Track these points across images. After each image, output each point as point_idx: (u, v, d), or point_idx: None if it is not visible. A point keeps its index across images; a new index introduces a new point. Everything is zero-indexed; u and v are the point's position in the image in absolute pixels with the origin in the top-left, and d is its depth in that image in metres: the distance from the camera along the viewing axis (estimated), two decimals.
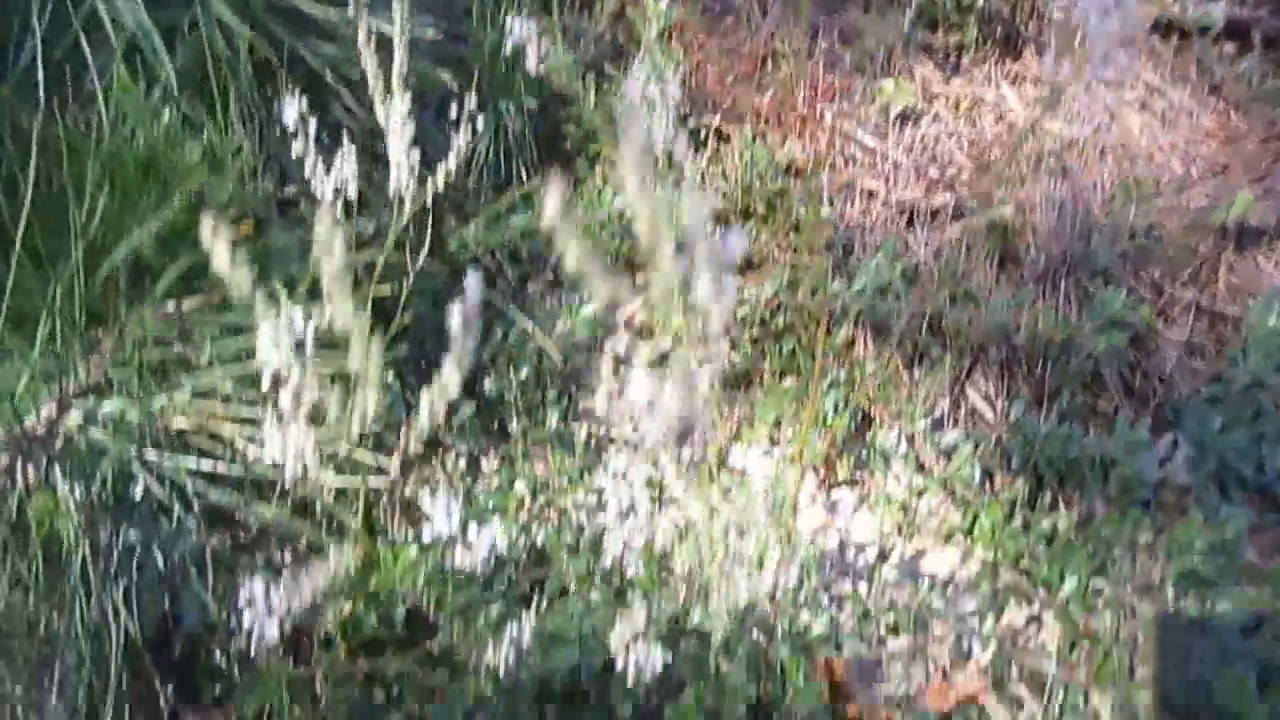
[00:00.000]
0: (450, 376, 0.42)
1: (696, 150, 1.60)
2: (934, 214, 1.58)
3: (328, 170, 0.88)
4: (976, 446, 1.32)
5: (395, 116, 0.80)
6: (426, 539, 0.66)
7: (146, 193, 1.09)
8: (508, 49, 0.91)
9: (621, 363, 1.41)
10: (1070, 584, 1.18)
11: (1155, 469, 1.32)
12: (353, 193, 0.87)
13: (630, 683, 0.74)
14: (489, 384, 1.30)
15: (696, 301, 0.33)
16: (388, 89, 0.82)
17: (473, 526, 0.66)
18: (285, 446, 0.58)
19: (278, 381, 0.57)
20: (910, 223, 1.57)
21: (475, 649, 0.89)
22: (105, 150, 1.05)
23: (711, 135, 1.62)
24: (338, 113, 1.28)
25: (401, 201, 0.86)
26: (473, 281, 0.38)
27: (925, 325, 1.43)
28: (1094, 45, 0.83)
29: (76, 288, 1.04)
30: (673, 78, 1.51)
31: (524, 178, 1.49)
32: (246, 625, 0.65)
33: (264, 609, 0.64)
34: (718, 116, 1.63)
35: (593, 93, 1.52)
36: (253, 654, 0.92)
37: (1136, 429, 1.29)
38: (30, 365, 0.97)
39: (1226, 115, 1.83)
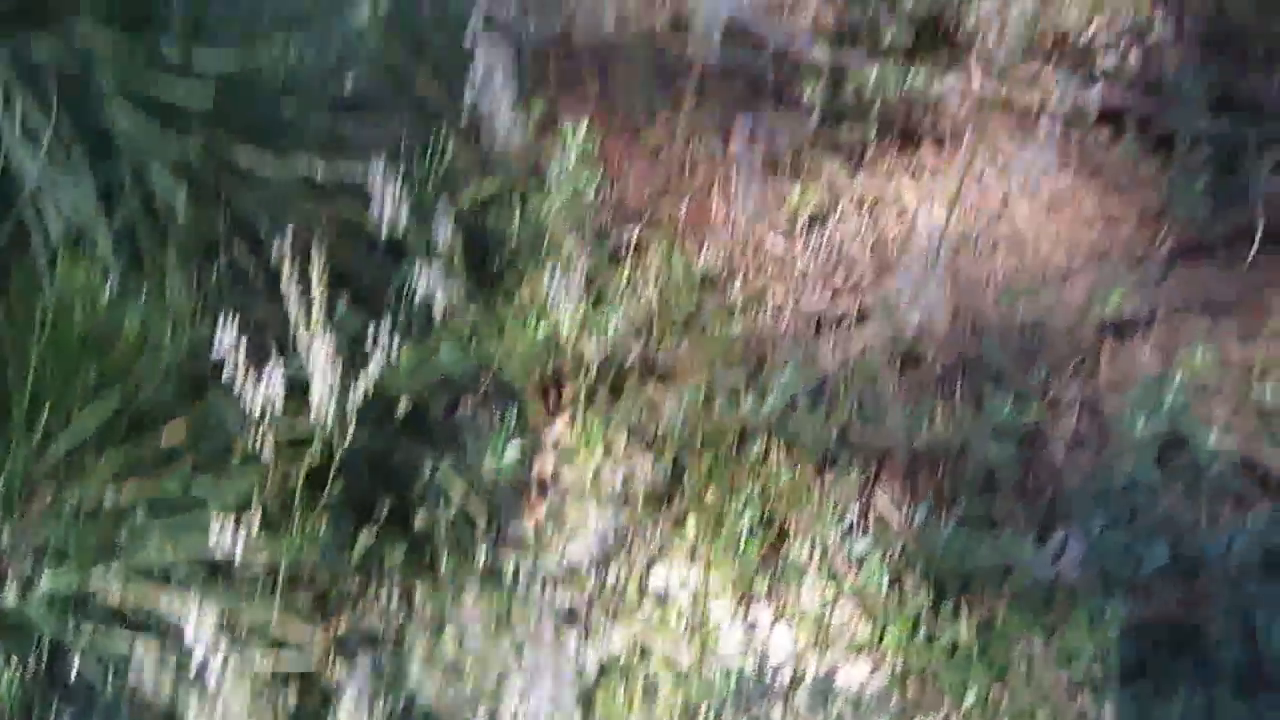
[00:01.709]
0: None
1: (616, 263, 1.66)
2: (840, 321, 1.67)
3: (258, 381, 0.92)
4: (885, 554, 1.41)
5: (318, 352, 0.85)
6: None
7: (86, 367, 1.12)
8: None
9: (548, 485, 1.48)
10: (971, 695, 1.27)
11: (1048, 569, 1.42)
12: (279, 409, 0.92)
13: None
14: (419, 520, 1.36)
15: None
16: (308, 325, 0.86)
17: None
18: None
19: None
20: (819, 330, 1.66)
21: None
22: (48, 329, 1.08)
23: (631, 248, 1.68)
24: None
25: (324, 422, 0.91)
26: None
27: (834, 434, 1.52)
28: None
29: (19, 467, 1.07)
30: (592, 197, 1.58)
31: (452, 299, 1.53)
32: None
33: None
34: (637, 228, 1.70)
35: (518, 213, 1.58)
36: None
37: (1026, 534, 1.40)
38: None
39: (1106, 199, 1.95)
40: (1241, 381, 1.62)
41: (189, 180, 1.17)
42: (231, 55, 1.15)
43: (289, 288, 0.91)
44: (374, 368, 0.99)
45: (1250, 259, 1.78)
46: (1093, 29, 2.07)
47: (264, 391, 0.93)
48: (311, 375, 0.89)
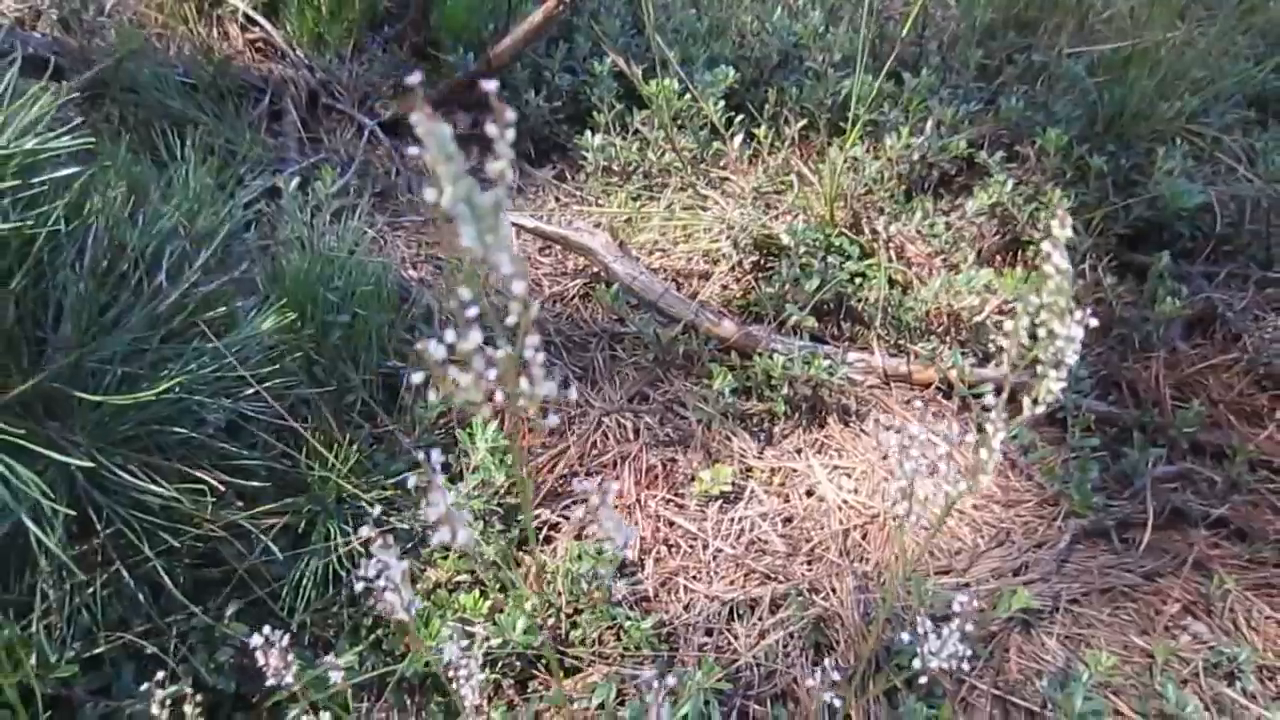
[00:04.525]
0: None
1: (525, 547, 1.63)
2: (753, 606, 1.65)
3: None
4: None
5: None
6: None
7: None
8: None
9: None
10: None
11: None
12: None
13: None
14: None
15: None
16: None
17: None
18: None
19: None
20: (732, 616, 1.64)
21: None
22: None
23: (542, 532, 1.66)
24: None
25: None
26: None
27: None
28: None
29: None
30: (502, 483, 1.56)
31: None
32: None
33: None
34: (549, 510, 1.68)
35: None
36: None
37: None
38: None
39: (1006, 476, 2.02)
40: (1144, 675, 1.64)
41: (71, 501, 1.13)
42: (119, 387, 1.14)
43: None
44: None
45: (1144, 544, 1.84)
46: (986, 310, 2.19)
47: None
48: None
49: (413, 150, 0.46)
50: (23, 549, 1.08)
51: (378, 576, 0.71)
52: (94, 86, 2.50)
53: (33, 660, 1.06)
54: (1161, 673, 1.64)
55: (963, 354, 2.13)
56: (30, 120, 1.08)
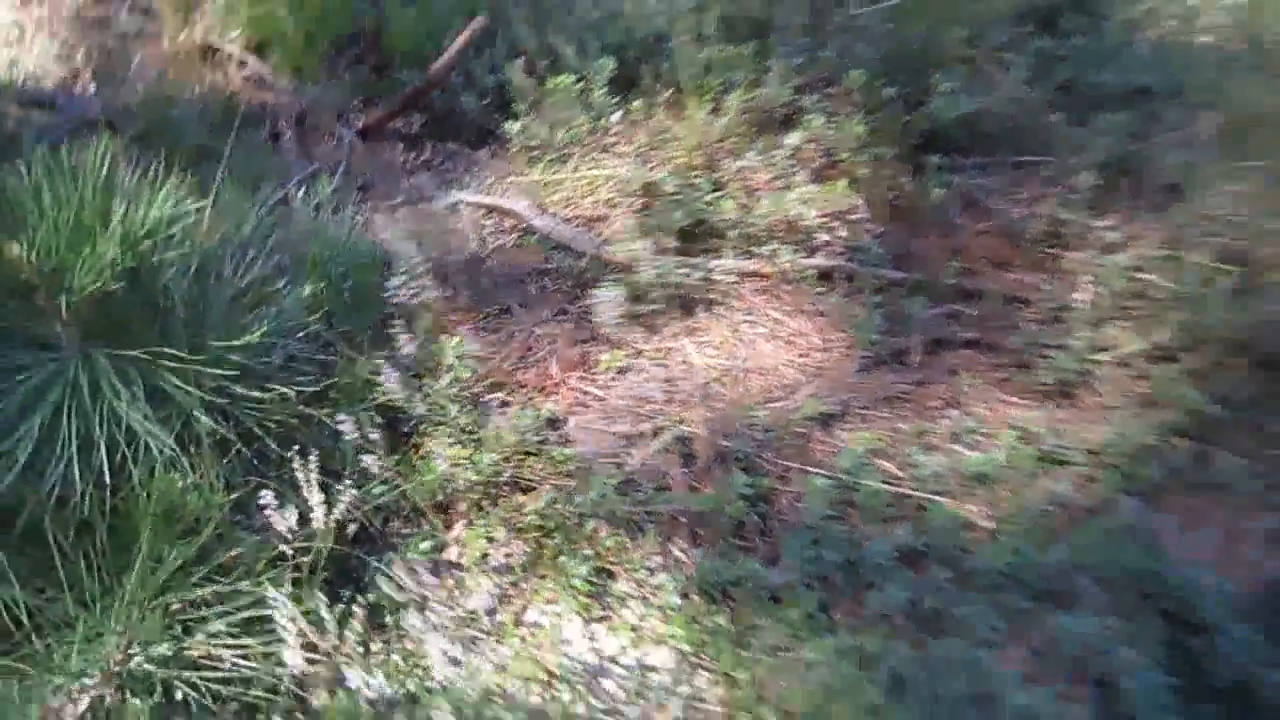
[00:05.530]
0: None
1: (488, 416, 2.50)
2: (641, 435, 2.51)
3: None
4: (676, 582, 2.22)
5: (316, 501, 1.68)
6: None
7: (170, 528, 1.90)
8: None
9: (454, 565, 2.27)
10: (727, 659, 2.07)
11: (777, 578, 2.24)
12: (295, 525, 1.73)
13: None
14: (371, 597, 2.13)
15: None
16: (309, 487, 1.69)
17: None
18: None
19: None
20: (627, 444, 2.50)
21: None
22: (151, 508, 1.86)
23: (498, 408, 2.53)
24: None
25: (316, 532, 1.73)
26: None
27: (641, 510, 2.35)
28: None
29: (137, 590, 1.83)
30: (468, 375, 2.42)
31: (378, 455, 2.35)
32: None
33: None
34: (503, 392, 2.55)
35: (418, 395, 2.41)
36: None
37: (753, 558, 2.22)
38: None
39: (825, 334, 2.85)
40: (905, 446, 2.49)
41: (208, 407, 1.99)
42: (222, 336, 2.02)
43: (303, 475, 1.75)
44: (340, 506, 1.83)
45: (916, 364, 2.69)
46: (813, 214, 3.01)
47: (285, 524, 1.76)
48: (311, 510, 1.73)
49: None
50: (185, 435, 1.95)
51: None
52: (144, 131, 3.32)
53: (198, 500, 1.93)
54: (915, 443, 2.49)
55: (794, 251, 2.95)
56: (163, 195, 1.91)
